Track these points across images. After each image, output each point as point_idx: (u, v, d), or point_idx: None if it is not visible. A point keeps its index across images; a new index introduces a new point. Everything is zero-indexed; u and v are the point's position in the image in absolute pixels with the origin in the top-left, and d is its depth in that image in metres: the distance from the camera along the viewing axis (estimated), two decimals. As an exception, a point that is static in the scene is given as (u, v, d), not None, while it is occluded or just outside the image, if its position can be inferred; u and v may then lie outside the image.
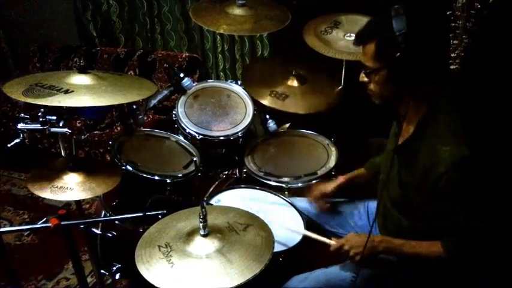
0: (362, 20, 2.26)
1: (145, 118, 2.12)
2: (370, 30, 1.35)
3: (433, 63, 1.31)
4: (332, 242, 1.52)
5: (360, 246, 1.41)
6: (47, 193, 1.47)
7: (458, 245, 1.34)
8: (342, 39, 2.25)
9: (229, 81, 2.35)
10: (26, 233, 2.63)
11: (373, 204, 1.75)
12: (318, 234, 1.63)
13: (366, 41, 1.35)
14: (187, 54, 3.26)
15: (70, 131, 1.51)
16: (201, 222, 1.26)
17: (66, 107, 1.39)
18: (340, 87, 2.29)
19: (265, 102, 2.20)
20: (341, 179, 1.82)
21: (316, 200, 1.83)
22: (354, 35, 2.21)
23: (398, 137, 1.45)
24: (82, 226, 1.72)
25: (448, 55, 1.38)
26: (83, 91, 1.44)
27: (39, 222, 1.36)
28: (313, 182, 1.99)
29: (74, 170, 1.54)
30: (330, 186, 1.82)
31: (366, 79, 1.40)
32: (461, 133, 1.31)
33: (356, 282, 1.48)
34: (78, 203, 1.72)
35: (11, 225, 2.73)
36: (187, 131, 2.09)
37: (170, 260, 1.22)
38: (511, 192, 1.57)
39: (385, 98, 1.40)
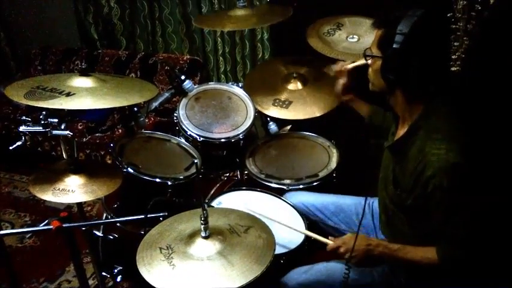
0: (365, 22, 2.27)
1: (146, 120, 2.12)
2: (384, 19, 1.38)
3: (426, 70, 1.31)
4: (330, 242, 1.53)
5: (356, 249, 1.42)
6: (49, 195, 1.48)
7: (451, 254, 1.34)
8: (345, 40, 2.26)
9: (230, 83, 2.35)
10: (27, 236, 2.63)
11: (377, 202, 1.75)
12: (318, 233, 1.66)
13: (377, 27, 1.39)
14: (188, 57, 3.27)
15: (71, 134, 1.52)
16: (202, 224, 1.27)
17: (67, 109, 1.40)
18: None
19: (270, 113, 2.21)
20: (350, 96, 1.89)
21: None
22: (356, 37, 2.26)
23: (394, 135, 1.49)
24: (84, 228, 1.73)
25: (446, 62, 1.38)
26: (84, 94, 1.45)
27: (41, 225, 1.36)
28: (314, 184, 1.99)
29: (75, 172, 1.54)
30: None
31: (366, 60, 1.44)
32: (454, 139, 1.30)
33: (348, 279, 1.47)
34: (79, 205, 1.72)
35: (12, 228, 2.74)
36: (188, 133, 2.09)
37: (171, 261, 1.23)
38: (503, 202, 1.56)
39: (379, 88, 1.43)
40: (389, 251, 1.43)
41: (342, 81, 1.88)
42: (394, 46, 1.28)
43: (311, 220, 1.79)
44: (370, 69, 1.44)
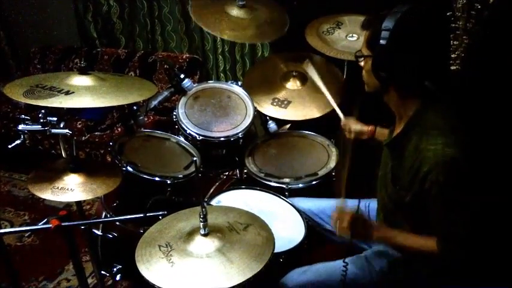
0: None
1: (145, 119, 2.12)
2: (370, 19, 1.39)
3: (416, 64, 1.30)
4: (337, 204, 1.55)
5: (356, 234, 1.43)
6: (48, 194, 1.47)
7: (451, 252, 1.34)
8: (344, 39, 2.26)
9: (230, 82, 2.36)
10: (26, 234, 2.63)
11: (373, 204, 1.75)
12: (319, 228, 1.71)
13: (366, 28, 1.40)
14: (187, 55, 3.27)
15: (71, 132, 1.52)
16: (201, 221, 1.27)
17: (66, 108, 1.39)
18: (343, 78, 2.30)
19: (268, 112, 2.21)
20: (371, 128, 1.88)
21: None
22: (356, 36, 2.26)
23: (393, 133, 1.49)
24: (83, 227, 1.73)
25: (440, 57, 1.38)
26: (83, 92, 1.45)
27: (40, 223, 1.36)
28: (314, 183, 1.99)
29: (74, 171, 1.54)
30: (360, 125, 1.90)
31: (359, 63, 1.45)
32: (451, 135, 1.30)
33: (346, 277, 1.48)
34: (78, 204, 1.72)
35: (11, 227, 2.74)
36: (187, 132, 2.09)
37: (170, 259, 1.23)
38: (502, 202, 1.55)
39: (373, 88, 1.42)
40: (387, 237, 1.45)
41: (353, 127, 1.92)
42: (381, 42, 1.28)
43: (309, 225, 1.78)
44: (363, 71, 1.44)
